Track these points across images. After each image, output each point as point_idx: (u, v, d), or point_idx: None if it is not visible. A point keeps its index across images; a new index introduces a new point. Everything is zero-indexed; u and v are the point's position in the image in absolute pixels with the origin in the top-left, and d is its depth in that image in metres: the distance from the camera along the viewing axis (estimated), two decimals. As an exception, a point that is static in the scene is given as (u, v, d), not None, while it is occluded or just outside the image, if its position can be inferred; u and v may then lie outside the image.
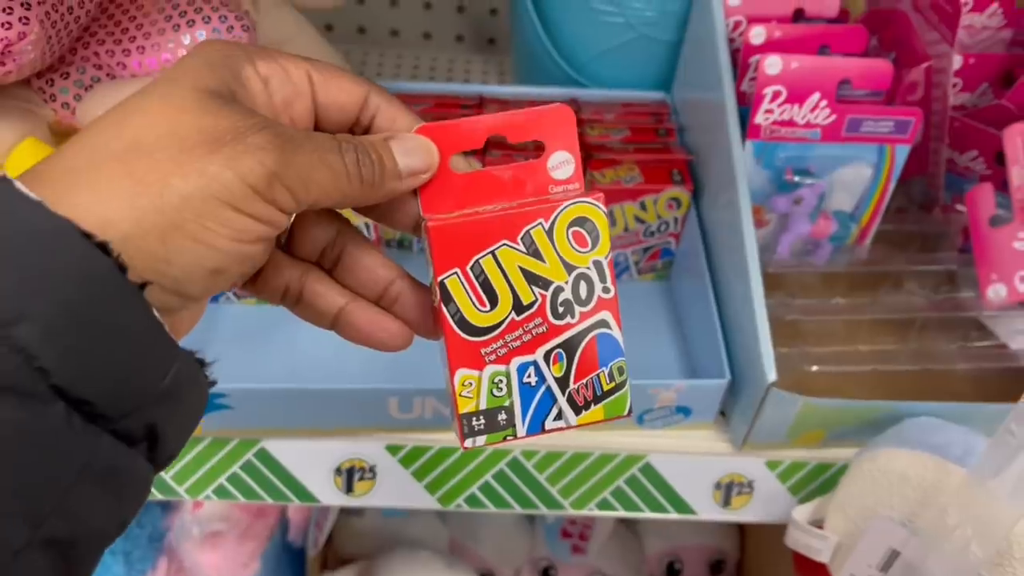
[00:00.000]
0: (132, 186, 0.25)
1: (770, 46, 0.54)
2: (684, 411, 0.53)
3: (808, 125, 0.52)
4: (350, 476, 0.54)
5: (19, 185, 0.24)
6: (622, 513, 0.56)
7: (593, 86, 0.66)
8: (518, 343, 0.31)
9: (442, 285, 0.30)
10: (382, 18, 0.83)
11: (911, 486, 0.46)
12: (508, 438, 0.32)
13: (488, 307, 0.31)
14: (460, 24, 0.83)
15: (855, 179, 0.55)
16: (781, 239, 0.56)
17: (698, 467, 0.54)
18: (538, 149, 0.33)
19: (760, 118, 0.52)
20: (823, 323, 0.54)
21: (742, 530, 0.94)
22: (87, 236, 0.24)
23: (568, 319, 0.31)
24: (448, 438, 0.52)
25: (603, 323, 0.32)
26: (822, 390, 0.50)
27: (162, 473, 0.53)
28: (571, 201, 0.31)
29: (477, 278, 0.31)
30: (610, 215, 0.58)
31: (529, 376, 0.31)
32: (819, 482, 0.54)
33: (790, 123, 0.52)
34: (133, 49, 0.46)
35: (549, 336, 0.31)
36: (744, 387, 0.51)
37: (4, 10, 0.40)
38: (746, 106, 0.54)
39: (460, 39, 0.84)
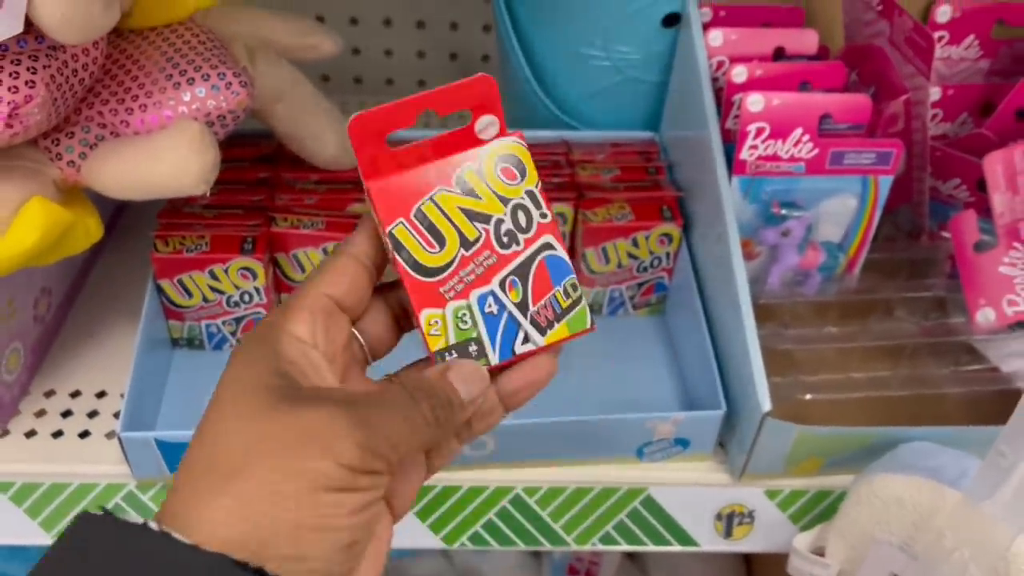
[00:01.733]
0: (244, 507, 0.27)
1: (752, 84, 0.56)
2: (682, 443, 0.53)
3: (792, 159, 0.54)
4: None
5: (176, 535, 0.26)
6: (625, 547, 0.56)
7: (583, 127, 0.67)
8: (472, 277, 0.33)
9: (391, 236, 0.33)
10: (377, 68, 0.85)
11: (907, 510, 0.47)
12: (484, 367, 0.33)
13: (437, 248, 0.33)
14: (454, 71, 0.85)
15: (841, 210, 0.56)
16: (771, 270, 0.57)
17: (699, 498, 0.55)
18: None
19: (745, 154, 0.54)
20: (816, 351, 0.55)
21: (748, 561, 0.94)
22: (242, 565, 0.26)
23: (515, 247, 0.34)
24: (450, 477, 0.53)
25: (548, 246, 0.34)
26: (817, 418, 0.50)
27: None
28: (494, 143, 0.34)
29: (422, 223, 0.33)
30: (603, 252, 0.59)
31: (490, 306, 0.33)
32: (819, 509, 0.55)
33: (774, 158, 0.54)
34: (136, 107, 0.48)
35: (500, 265, 0.34)
36: (740, 417, 0.52)
37: (11, 74, 0.42)
38: (731, 143, 0.55)
39: (454, 85, 0.86)
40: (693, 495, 0.54)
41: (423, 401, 0.30)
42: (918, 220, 0.61)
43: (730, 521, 0.55)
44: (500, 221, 0.34)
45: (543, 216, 0.34)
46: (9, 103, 0.41)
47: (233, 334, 0.58)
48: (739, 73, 0.56)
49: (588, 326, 0.34)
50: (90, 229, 0.49)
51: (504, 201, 0.34)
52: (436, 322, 0.33)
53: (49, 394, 0.57)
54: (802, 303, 0.57)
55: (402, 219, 0.33)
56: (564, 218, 0.60)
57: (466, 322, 0.33)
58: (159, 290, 0.56)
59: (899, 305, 0.57)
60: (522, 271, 0.34)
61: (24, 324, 0.55)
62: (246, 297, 0.56)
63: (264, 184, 0.59)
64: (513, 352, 0.33)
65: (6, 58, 0.42)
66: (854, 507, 0.49)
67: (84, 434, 0.54)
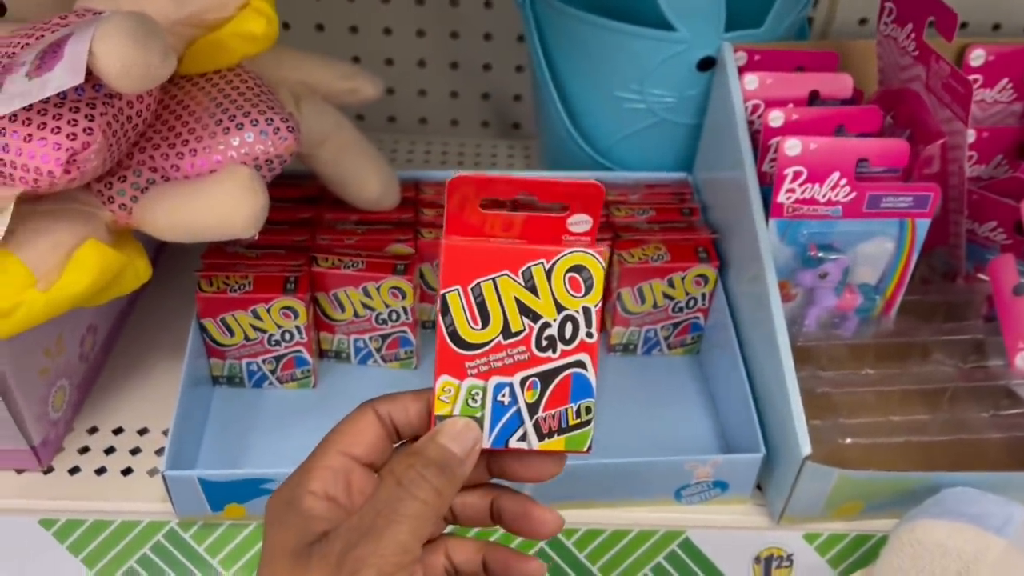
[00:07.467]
0: None
1: (788, 128, 0.56)
2: (721, 485, 0.53)
3: (829, 203, 0.54)
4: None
5: None
6: (662, 589, 0.56)
7: (617, 168, 0.68)
8: (499, 364, 0.34)
9: (443, 298, 0.34)
10: (411, 107, 0.86)
11: (951, 558, 0.46)
12: (475, 423, 0.34)
13: (480, 326, 0.34)
14: (485, 111, 0.86)
15: (878, 253, 0.56)
16: (808, 312, 0.57)
17: (737, 541, 0.54)
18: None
19: (782, 197, 0.54)
20: (854, 394, 0.55)
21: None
22: None
23: (549, 353, 0.34)
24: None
25: (580, 363, 0.34)
26: (857, 461, 0.50)
27: (201, 550, 0.54)
28: (573, 249, 0.34)
29: (475, 298, 0.34)
30: (639, 292, 0.60)
31: (504, 396, 0.34)
32: (859, 554, 0.54)
33: (811, 201, 0.54)
34: (186, 152, 0.49)
35: (529, 364, 0.34)
36: (779, 461, 0.51)
37: (69, 122, 0.43)
38: (767, 185, 0.56)
39: (486, 125, 0.87)
40: (731, 538, 0.54)
41: (414, 488, 0.32)
42: (954, 262, 0.61)
43: (768, 564, 0.55)
44: (547, 324, 0.34)
45: (589, 336, 0.34)
46: (68, 149, 0.43)
47: (273, 372, 0.59)
48: (775, 117, 0.56)
49: (584, 449, 0.35)
50: (139, 270, 0.50)
51: (560, 308, 0.34)
52: (449, 390, 0.34)
53: (92, 431, 0.57)
54: (839, 345, 0.57)
55: (459, 287, 0.34)
56: (600, 259, 0.60)
57: (476, 401, 0.34)
58: (202, 329, 0.57)
59: (937, 348, 0.57)
60: (547, 377, 0.34)
61: (71, 362, 0.56)
62: (287, 336, 0.57)
63: (306, 224, 0.60)
64: (506, 444, 0.34)
65: (65, 105, 0.43)
66: (896, 553, 0.49)
67: (127, 471, 0.55)
